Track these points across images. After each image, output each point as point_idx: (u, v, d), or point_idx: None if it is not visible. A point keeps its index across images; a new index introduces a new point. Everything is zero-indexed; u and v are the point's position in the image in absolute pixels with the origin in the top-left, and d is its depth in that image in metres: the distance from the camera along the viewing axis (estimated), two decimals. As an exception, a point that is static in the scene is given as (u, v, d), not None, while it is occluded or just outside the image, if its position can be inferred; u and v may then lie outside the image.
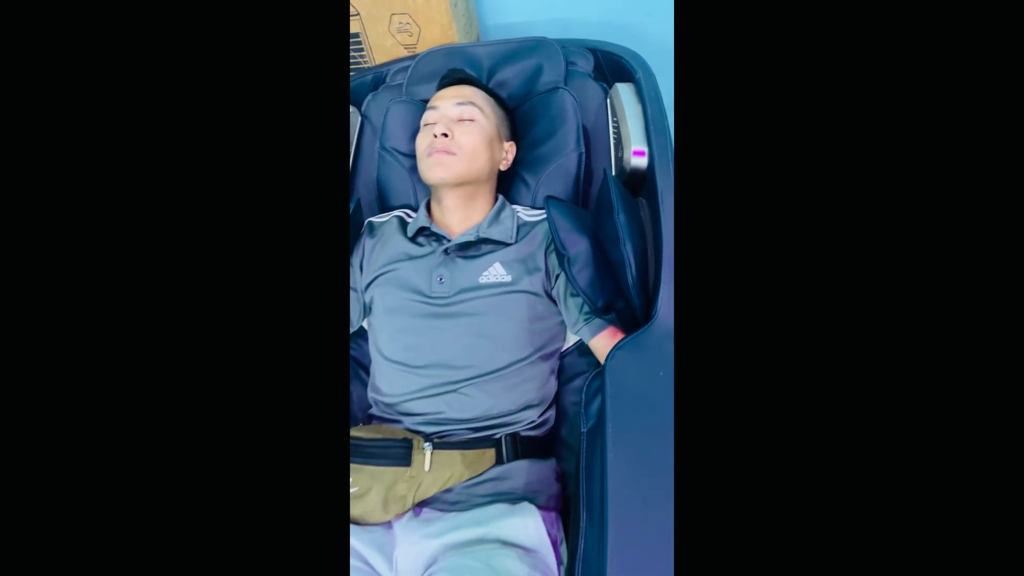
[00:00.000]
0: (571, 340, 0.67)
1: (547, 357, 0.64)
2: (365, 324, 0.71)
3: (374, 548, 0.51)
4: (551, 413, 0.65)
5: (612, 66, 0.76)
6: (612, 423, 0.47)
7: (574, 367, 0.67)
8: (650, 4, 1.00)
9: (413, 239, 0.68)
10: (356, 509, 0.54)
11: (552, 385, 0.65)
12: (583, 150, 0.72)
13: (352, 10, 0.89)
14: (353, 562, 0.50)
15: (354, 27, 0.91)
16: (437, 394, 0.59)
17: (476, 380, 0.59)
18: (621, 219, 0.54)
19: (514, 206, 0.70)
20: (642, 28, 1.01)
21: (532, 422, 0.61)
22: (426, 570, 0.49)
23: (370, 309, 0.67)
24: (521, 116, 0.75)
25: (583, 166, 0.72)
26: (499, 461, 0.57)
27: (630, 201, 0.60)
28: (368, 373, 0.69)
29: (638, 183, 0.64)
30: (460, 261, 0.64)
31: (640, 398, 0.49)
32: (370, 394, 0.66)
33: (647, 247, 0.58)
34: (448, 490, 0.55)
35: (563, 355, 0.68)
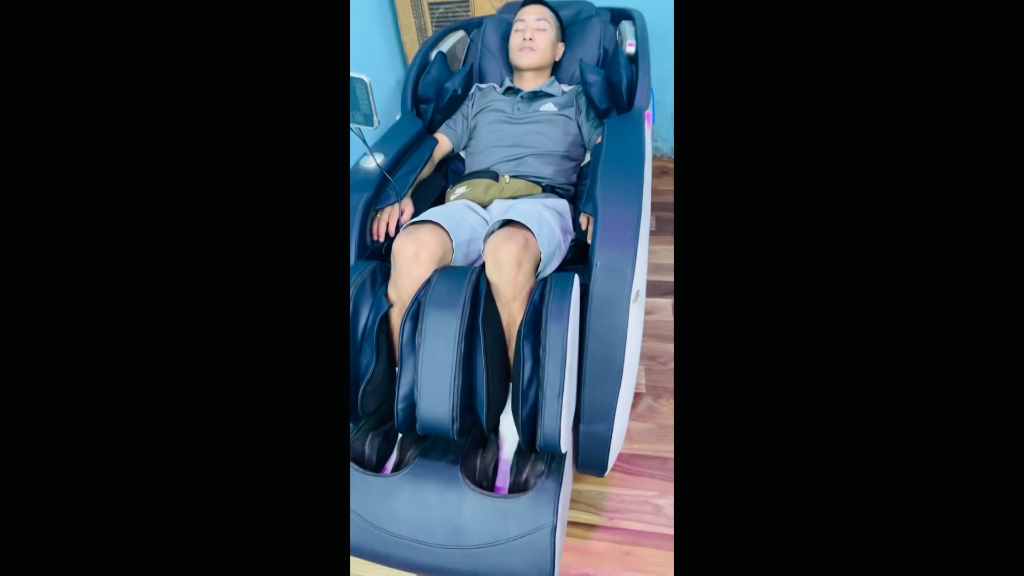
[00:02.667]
0: (587, 159, 1.18)
1: (570, 157, 1.15)
2: (463, 153, 1.23)
3: (469, 214, 1.00)
4: (571, 187, 1.15)
5: (620, 15, 1.31)
6: (604, 166, 0.95)
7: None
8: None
9: (504, 93, 1.21)
10: (466, 195, 1.04)
11: (573, 172, 1.15)
12: (602, 47, 1.26)
13: (468, -18, 1.46)
14: (454, 216, 0.97)
15: (466, -7, 1.48)
16: (512, 159, 1.11)
17: (532, 155, 1.11)
18: (620, 59, 1.06)
19: (560, 84, 1.23)
20: None
21: (560, 184, 1.12)
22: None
23: (474, 128, 1.19)
24: (569, 31, 1.30)
25: (602, 55, 1.26)
26: (543, 191, 1.07)
27: (626, 62, 1.12)
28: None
29: (632, 59, 1.17)
30: (528, 102, 1.17)
31: (618, 158, 0.97)
32: (469, 168, 1.17)
33: (633, 78, 1.09)
34: (515, 197, 1.05)
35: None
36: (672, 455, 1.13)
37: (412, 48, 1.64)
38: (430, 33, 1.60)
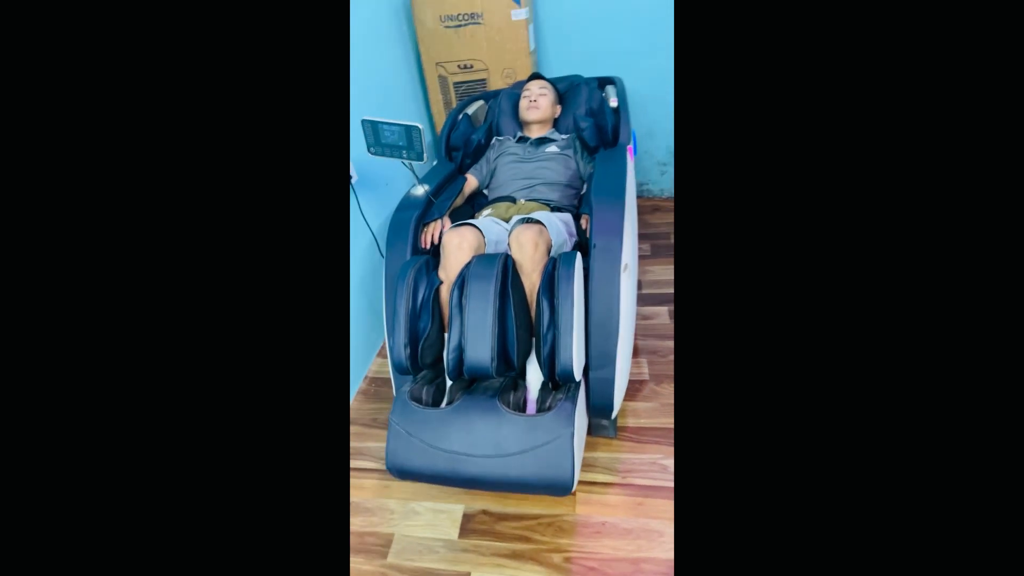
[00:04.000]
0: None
1: (571, 186, 1.45)
2: (486, 191, 1.54)
3: (496, 225, 1.28)
4: (573, 208, 1.43)
5: (606, 80, 1.67)
6: (596, 179, 1.25)
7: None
8: None
9: (517, 141, 1.54)
10: (492, 214, 1.32)
11: (574, 198, 1.45)
12: (590, 104, 1.60)
13: (482, 64, 1.86)
14: (486, 224, 1.25)
15: (483, 75, 1.88)
16: (526, 187, 1.41)
17: (542, 184, 1.41)
18: (606, 110, 1.38)
19: (559, 133, 1.57)
20: None
21: (564, 205, 1.40)
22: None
23: (495, 169, 1.51)
24: (565, 96, 1.65)
25: (589, 111, 1.60)
26: (551, 209, 1.36)
27: (610, 112, 1.45)
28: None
29: (615, 111, 1.50)
30: (536, 146, 1.49)
31: (607, 175, 1.27)
32: (491, 196, 1.47)
33: (616, 123, 1.41)
34: (530, 214, 1.33)
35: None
36: (672, 427, 1.30)
37: (440, 118, 2.03)
38: (455, 105, 1.98)
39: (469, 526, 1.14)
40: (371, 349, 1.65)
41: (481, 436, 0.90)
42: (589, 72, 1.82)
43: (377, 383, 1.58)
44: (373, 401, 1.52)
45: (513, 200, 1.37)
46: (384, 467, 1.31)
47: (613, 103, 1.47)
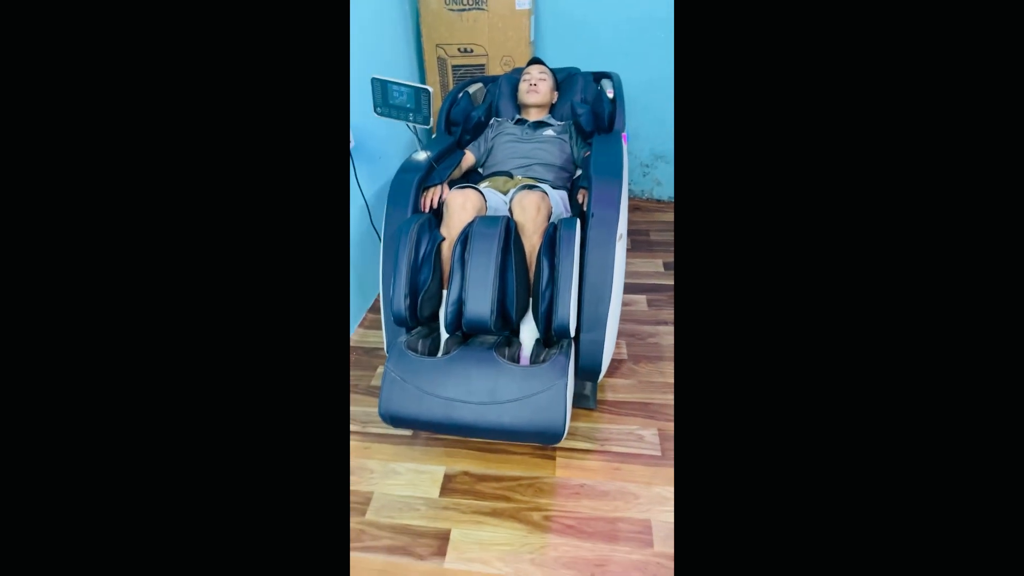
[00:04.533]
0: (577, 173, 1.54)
1: (565, 169, 1.50)
2: (481, 169, 1.57)
3: (495, 194, 1.32)
4: (567, 187, 1.49)
5: (602, 75, 1.74)
6: (595, 157, 1.32)
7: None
8: None
9: (515, 123, 1.58)
10: (489, 186, 1.36)
11: (568, 180, 1.50)
12: (585, 94, 1.67)
13: (482, 50, 1.91)
14: (486, 191, 1.29)
15: (483, 60, 1.92)
16: (523, 166, 1.45)
17: (538, 164, 1.46)
18: (604, 99, 1.45)
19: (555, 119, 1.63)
20: None
21: (559, 185, 1.46)
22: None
23: (492, 148, 1.55)
24: (562, 85, 1.72)
25: (583, 100, 1.67)
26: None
27: (607, 100, 1.52)
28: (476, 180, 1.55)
29: (611, 101, 1.57)
30: (534, 129, 1.54)
31: (606, 155, 1.33)
32: (486, 172, 1.51)
33: (613, 111, 1.47)
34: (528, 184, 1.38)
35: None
36: (649, 401, 1.37)
37: (436, 101, 2.05)
38: (451, 88, 2.01)
39: (450, 486, 1.15)
40: (354, 319, 1.65)
41: (477, 384, 0.92)
42: (583, 67, 1.90)
43: (358, 352, 1.57)
44: (355, 368, 1.51)
45: (511, 175, 1.41)
46: (364, 430, 1.31)
47: (610, 94, 1.54)
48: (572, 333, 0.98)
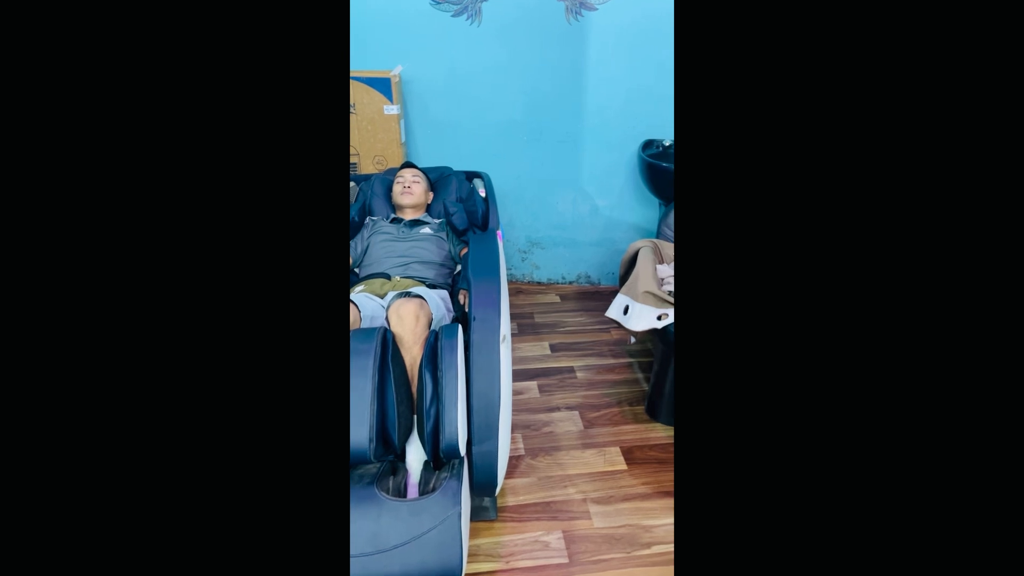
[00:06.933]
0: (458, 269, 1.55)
1: (444, 265, 1.50)
2: (357, 270, 1.51)
3: (371, 300, 1.25)
4: (448, 285, 1.47)
5: (473, 175, 1.83)
6: (472, 257, 1.33)
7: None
8: None
9: (391, 222, 1.56)
10: (365, 290, 1.29)
11: (448, 276, 1.49)
12: (460, 193, 1.73)
13: (353, 150, 1.91)
14: (360, 299, 1.22)
15: (355, 159, 1.92)
16: (401, 265, 1.41)
17: (417, 262, 1.43)
18: (476, 198, 1.51)
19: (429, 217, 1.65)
20: None
21: (439, 283, 1.44)
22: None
23: (368, 248, 1.50)
24: (436, 184, 1.76)
25: (457, 198, 1.72)
26: (427, 287, 1.38)
27: (480, 200, 1.58)
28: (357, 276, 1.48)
29: (484, 200, 1.64)
30: (410, 227, 1.54)
31: (481, 246, 1.36)
32: (363, 273, 1.44)
33: (486, 210, 1.53)
34: (408, 289, 1.33)
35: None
36: (551, 500, 1.31)
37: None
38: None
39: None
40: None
41: (357, 529, 0.79)
42: (455, 166, 1.99)
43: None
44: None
45: (388, 277, 1.36)
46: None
47: (483, 193, 1.62)
48: (463, 452, 0.91)
